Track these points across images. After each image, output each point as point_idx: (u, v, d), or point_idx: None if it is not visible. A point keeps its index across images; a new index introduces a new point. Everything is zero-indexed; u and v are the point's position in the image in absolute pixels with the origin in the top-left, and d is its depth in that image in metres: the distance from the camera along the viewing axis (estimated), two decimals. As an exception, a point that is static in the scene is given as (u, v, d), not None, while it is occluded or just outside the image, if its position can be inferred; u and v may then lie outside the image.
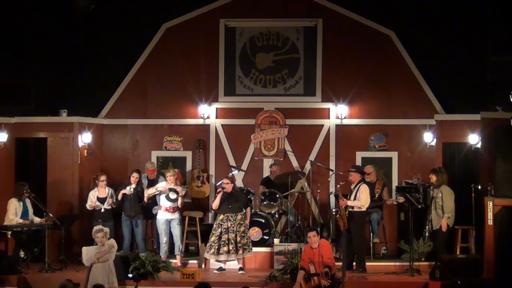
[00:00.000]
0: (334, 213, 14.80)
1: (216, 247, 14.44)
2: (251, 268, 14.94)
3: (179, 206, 15.07)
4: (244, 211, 14.70)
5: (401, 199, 14.67)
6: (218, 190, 14.77)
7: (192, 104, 16.87)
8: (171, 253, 15.04)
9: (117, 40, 16.83)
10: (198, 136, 16.73)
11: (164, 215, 14.99)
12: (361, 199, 14.30)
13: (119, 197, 15.21)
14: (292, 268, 13.72)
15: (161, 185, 15.17)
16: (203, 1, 16.88)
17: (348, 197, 14.42)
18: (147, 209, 15.56)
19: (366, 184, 14.89)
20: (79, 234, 15.91)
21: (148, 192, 15.17)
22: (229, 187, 14.68)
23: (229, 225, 14.51)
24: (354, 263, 14.41)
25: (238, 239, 14.46)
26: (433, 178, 14.40)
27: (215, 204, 14.69)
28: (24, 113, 16.30)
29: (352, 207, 14.31)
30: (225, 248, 14.43)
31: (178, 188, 15.05)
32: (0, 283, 13.90)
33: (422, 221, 14.82)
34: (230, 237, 14.44)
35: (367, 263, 14.86)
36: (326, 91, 16.66)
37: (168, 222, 14.98)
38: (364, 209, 14.39)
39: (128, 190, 15.18)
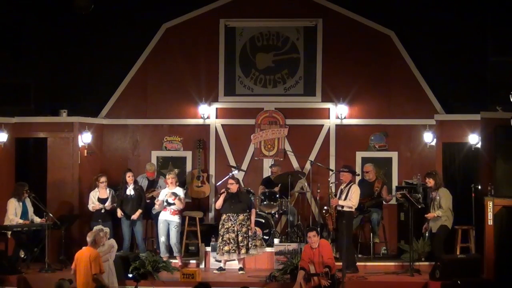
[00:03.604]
0: (324, 211, 14.81)
1: (220, 247, 14.51)
2: (251, 268, 14.94)
3: (180, 207, 14.99)
4: (249, 212, 14.69)
5: (400, 195, 14.70)
6: (222, 191, 14.76)
7: (192, 104, 16.87)
8: (171, 253, 15.03)
9: (117, 40, 16.81)
10: (198, 136, 16.73)
11: (164, 215, 14.98)
12: (353, 199, 14.31)
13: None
14: (292, 268, 13.72)
15: (163, 192, 15.07)
16: (203, 1, 16.88)
17: (338, 197, 14.43)
18: (147, 209, 15.56)
19: (364, 183, 14.93)
20: (79, 234, 15.90)
21: (148, 196, 15.20)
22: (234, 188, 14.67)
23: (229, 224, 14.53)
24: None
25: (240, 238, 14.47)
26: (431, 181, 14.36)
27: (218, 204, 14.73)
28: (24, 113, 16.31)
29: (342, 207, 14.33)
30: (226, 248, 14.47)
31: (178, 190, 15.01)
32: (0, 283, 13.89)
33: (422, 221, 14.81)
34: (230, 237, 14.47)
35: (367, 263, 14.90)
36: (326, 91, 16.66)
37: (167, 223, 14.97)
38: (353, 209, 14.41)
39: (129, 191, 15.18)
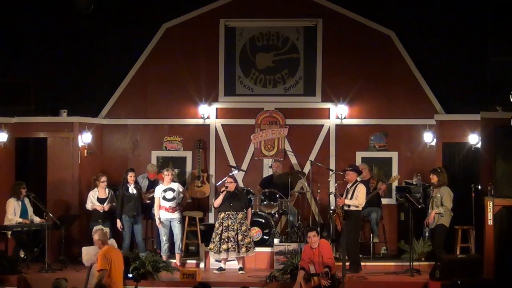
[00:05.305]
0: (331, 212, 14.79)
1: (218, 245, 14.47)
2: (251, 268, 14.95)
3: (183, 202, 14.99)
4: (246, 211, 14.72)
5: (395, 179, 14.70)
6: (222, 189, 14.77)
7: (192, 104, 16.87)
8: (172, 252, 15.04)
9: (117, 40, 16.83)
10: (198, 136, 16.73)
11: (164, 215, 15.00)
12: (359, 198, 14.30)
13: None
14: (292, 268, 13.72)
15: (157, 190, 15.08)
16: (203, 1, 16.89)
17: (344, 196, 14.42)
18: (147, 209, 15.57)
19: (362, 183, 14.96)
20: (79, 234, 15.92)
21: (148, 196, 15.27)
22: (232, 186, 14.69)
23: (229, 223, 14.53)
24: (347, 263, 14.27)
25: (240, 237, 14.48)
26: (435, 178, 14.39)
27: (217, 202, 14.71)
28: (24, 113, 16.31)
29: (349, 206, 14.32)
30: (225, 246, 14.46)
31: (175, 185, 15.04)
32: (0, 283, 13.90)
33: (422, 221, 14.81)
34: (230, 235, 14.46)
35: (367, 263, 14.90)
36: (326, 91, 16.67)
37: (169, 221, 15.00)
38: (360, 208, 14.40)
39: (131, 190, 15.18)
